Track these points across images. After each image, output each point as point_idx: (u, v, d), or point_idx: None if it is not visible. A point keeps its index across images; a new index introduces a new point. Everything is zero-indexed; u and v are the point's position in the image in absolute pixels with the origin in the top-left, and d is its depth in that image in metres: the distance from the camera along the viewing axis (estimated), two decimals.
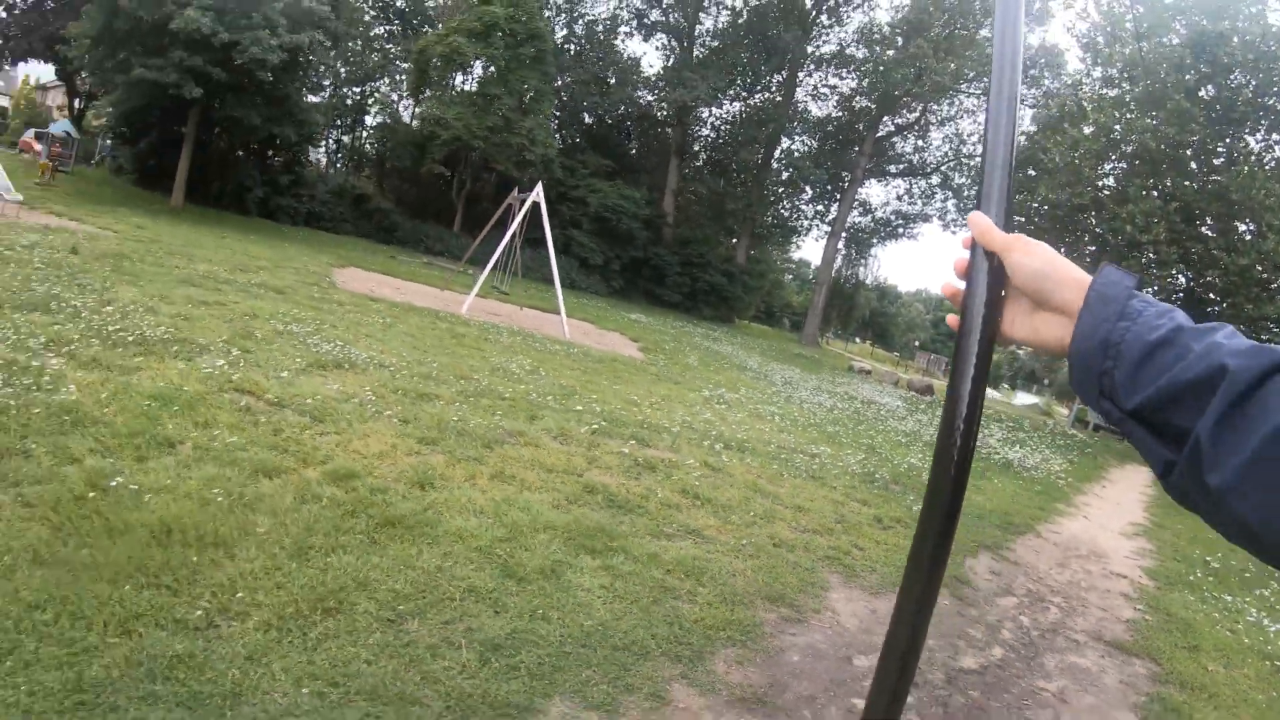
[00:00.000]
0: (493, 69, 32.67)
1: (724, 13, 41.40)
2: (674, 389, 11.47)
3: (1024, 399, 48.41)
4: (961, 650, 4.33)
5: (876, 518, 6.73)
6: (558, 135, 36.83)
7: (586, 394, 8.87)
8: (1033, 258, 0.82)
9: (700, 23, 41.26)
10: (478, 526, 4.07)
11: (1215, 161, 26.39)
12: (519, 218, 17.61)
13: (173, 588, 2.95)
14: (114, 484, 3.65)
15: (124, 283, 8.69)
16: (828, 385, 19.87)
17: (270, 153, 29.71)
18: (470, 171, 34.60)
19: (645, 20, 42.35)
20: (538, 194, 17.24)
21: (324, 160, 39.91)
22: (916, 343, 76.34)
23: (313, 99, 25.71)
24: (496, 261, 17.60)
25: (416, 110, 36.79)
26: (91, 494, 3.51)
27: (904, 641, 0.82)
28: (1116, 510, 11.16)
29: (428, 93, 34.13)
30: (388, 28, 38.72)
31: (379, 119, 39.76)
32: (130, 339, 6.12)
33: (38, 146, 36.07)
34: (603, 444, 6.64)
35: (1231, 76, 25.22)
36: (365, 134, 41.38)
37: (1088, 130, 27.08)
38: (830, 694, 3.38)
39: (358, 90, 37.94)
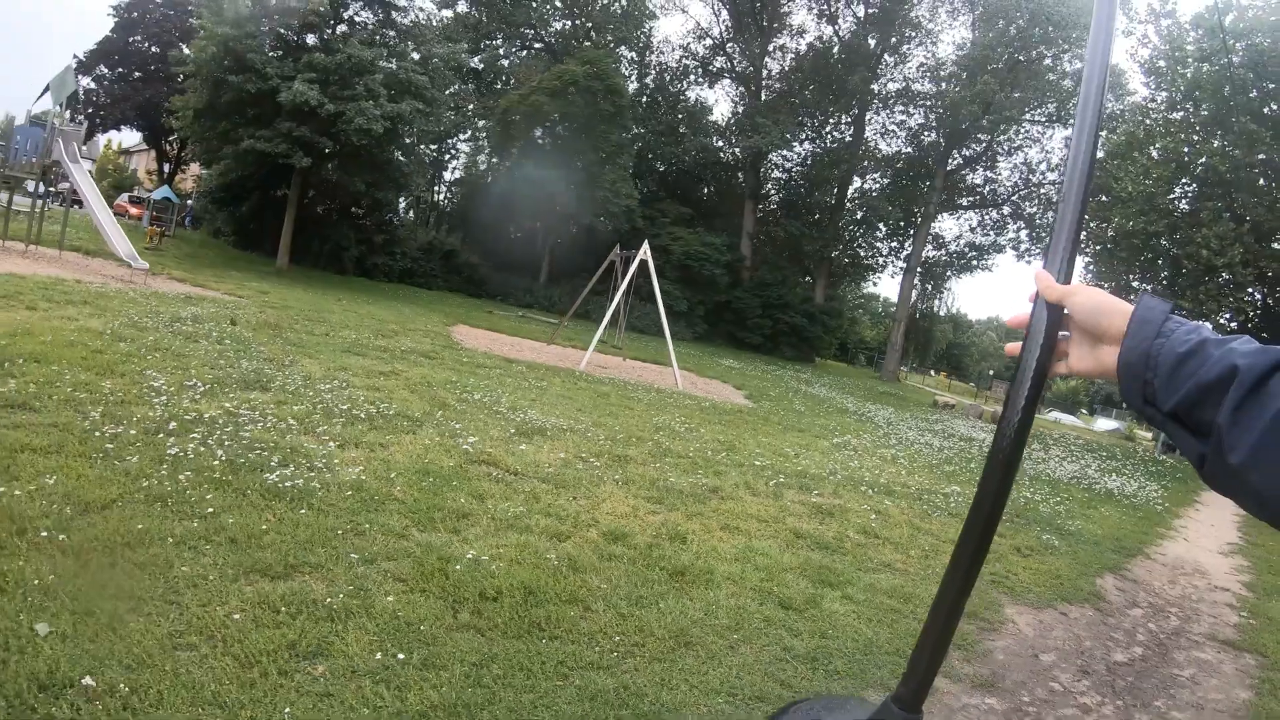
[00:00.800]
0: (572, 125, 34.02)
1: (789, 57, 42.69)
2: (804, 437, 12.88)
3: (1104, 424, 48.51)
4: (1111, 648, 5.70)
5: (1015, 547, 8.07)
6: (636, 185, 38.55)
7: (742, 447, 10.32)
8: (1089, 298, 0.99)
9: (766, 67, 42.63)
10: (740, 571, 5.42)
11: None
12: (630, 274, 18.83)
13: (570, 639, 3.79)
14: (468, 556, 4.44)
15: (300, 354, 9.97)
16: (924, 424, 21.05)
17: (363, 212, 31.24)
18: (555, 226, 36.13)
19: (710, 68, 43.92)
20: (645, 252, 18.65)
21: (410, 217, 41.73)
22: (991, 371, 76.63)
23: (401, 157, 27.48)
24: (610, 317, 18.84)
25: (501, 165, 38.29)
26: (446, 564, 4.25)
27: (936, 635, 1.01)
28: (1212, 531, 12.34)
29: (513, 151, 35.72)
30: (462, 85, 41.04)
31: (456, 174, 41.63)
32: (359, 415, 7.25)
33: (133, 210, 38.51)
34: (784, 494, 8.08)
35: None
36: (445, 190, 43.25)
37: (1155, 153, 27.78)
38: (1034, 680, 4.78)
39: (434, 148, 39.45)
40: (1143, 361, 0.91)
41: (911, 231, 43.34)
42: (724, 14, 43.92)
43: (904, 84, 42.08)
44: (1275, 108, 25.86)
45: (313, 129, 22.80)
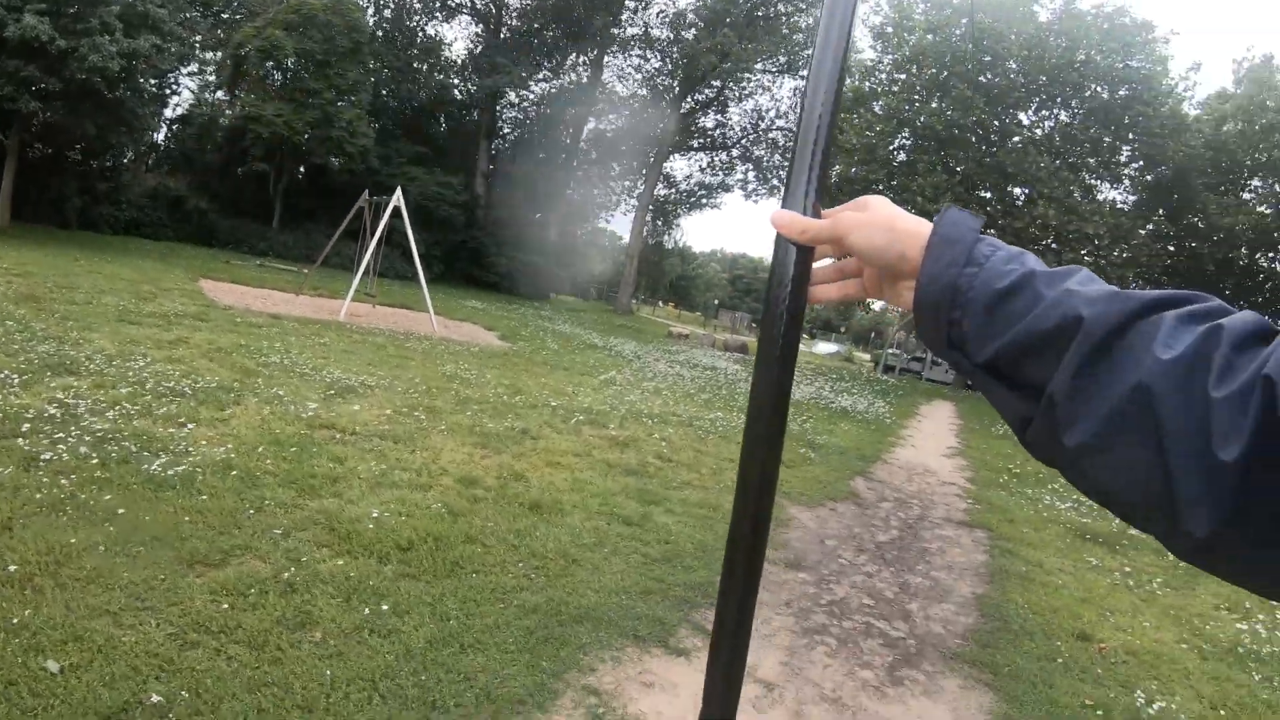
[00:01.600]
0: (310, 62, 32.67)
1: None
2: (573, 376, 13.80)
3: (825, 348, 53.29)
4: (875, 532, 7.05)
5: (783, 462, 9.42)
6: (370, 123, 37.59)
7: (527, 390, 11.07)
8: (871, 231, 0.77)
9: (506, 5, 42.47)
10: (581, 500, 6.25)
11: (992, 138, 30.88)
12: (384, 221, 18.59)
13: (487, 571, 4.42)
14: (372, 514, 4.93)
15: (79, 329, 9.33)
16: (668, 355, 22.65)
17: (82, 159, 28.47)
18: (287, 166, 34.66)
19: (449, 3, 43.20)
20: (398, 199, 18.61)
21: (129, 159, 38.52)
22: (716, 301, 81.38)
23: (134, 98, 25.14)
24: (365, 266, 18.73)
25: (229, 106, 36.16)
26: (354, 525, 4.68)
27: (731, 633, 0.78)
28: (934, 438, 14.56)
29: (244, 87, 33.84)
30: (186, 15, 38.11)
31: (179, 112, 38.83)
32: (183, 391, 7.14)
33: None
34: (582, 431, 8.96)
35: (1008, 65, 29.58)
36: (167, 130, 40.16)
37: (878, 109, 31.14)
38: (827, 558, 5.97)
39: (154, 83, 36.52)
40: (948, 296, 0.71)
41: (644, 171, 45.11)
42: None
43: (643, 29, 43.43)
44: (990, 77, 29.64)
45: (40, 68, 20.59)
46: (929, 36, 30.32)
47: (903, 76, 32.43)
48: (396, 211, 18.43)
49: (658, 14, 43.15)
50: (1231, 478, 0.53)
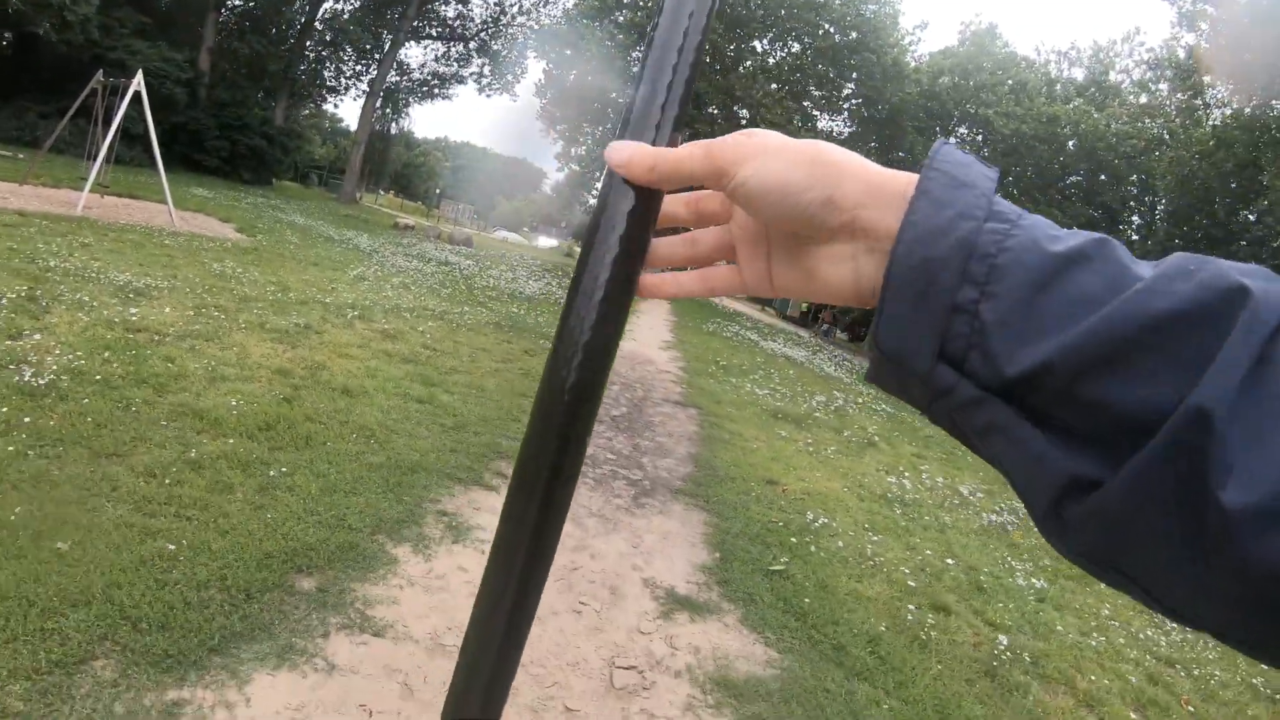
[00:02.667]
0: None
1: None
2: (325, 272, 14.54)
3: (546, 241, 55.08)
4: (610, 409, 8.84)
5: (525, 350, 11.00)
6: None
7: (295, 289, 11.89)
8: (778, 163, 0.49)
9: None
10: (379, 385, 7.48)
11: (727, 60, 33.31)
12: (123, 108, 17.85)
13: (331, 441, 5.94)
14: (231, 404, 6.46)
15: None
16: (401, 248, 23.44)
17: None
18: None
19: None
20: (139, 83, 17.92)
21: None
22: (439, 190, 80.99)
23: None
24: (104, 154, 18.01)
25: None
26: (222, 415, 6.15)
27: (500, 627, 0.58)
28: (652, 333, 16.69)
29: None
30: None
31: None
32: None
33: None
34: (356, 325, 10.08)
35: None
36: None
37: (621, 19, 32.86)
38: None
39: None
40: (958, 262, 0.42)
41: (378, 57, 44.16)
42: None
43: None
44: (730, 6, 32.04)
45: None
46: None
47: None
48: (136, 97, 17.82)
49: None
50: None
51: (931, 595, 5.59)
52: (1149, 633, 6.32)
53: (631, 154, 0.52)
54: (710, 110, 33.51)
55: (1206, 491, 0.34)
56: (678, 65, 0.56)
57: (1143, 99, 32.96)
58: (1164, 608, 0.39)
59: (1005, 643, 5.11)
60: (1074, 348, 0.38)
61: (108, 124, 20.10)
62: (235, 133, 37.37)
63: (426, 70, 48.79)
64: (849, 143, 36.48)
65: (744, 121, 33.52)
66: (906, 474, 9.24)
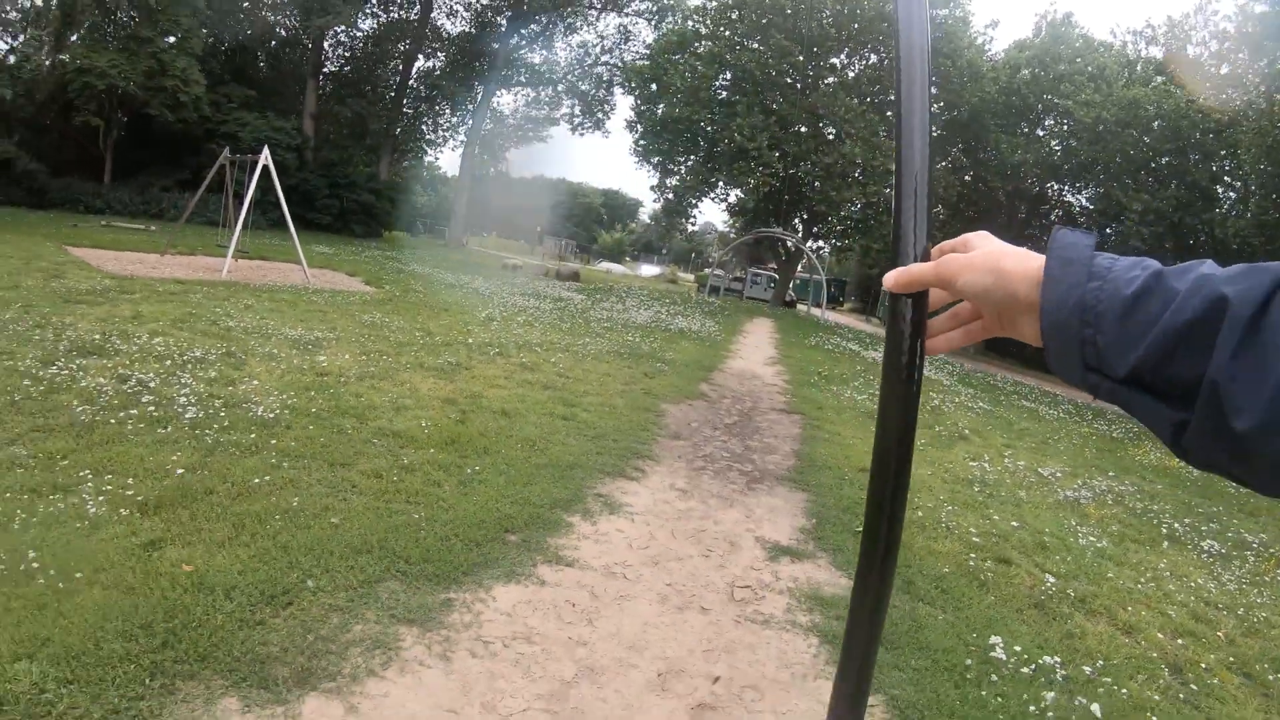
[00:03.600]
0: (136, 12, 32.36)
1: None
2: (460, 316, 16.46)
3: (648, 270, 56.84)
4: (723, 417, 10.32)
5: (644, 373, 12.56)
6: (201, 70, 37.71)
7: (437, 332, 13.74)
8: (976, 275, 0.83)
9: None
10: (529, 407, 9.14)
11: (808, 79, 34.56)
12: (254, 181, 20.14)
13: (500, 451, 7.72)
14: (421, 424, 8.25)
15: (50, 312, 10.90)
16: (513, 288, 25.44)
17: None
18: (116, 119, 34.45)
19: None
20: (266, 158, 20.26)
21: None
22: (539, 228, 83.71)
23: None
24: (241, 223, 20.24)
25: (59, 57, 35.51)
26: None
27: (863, 643, 0.91)
28: (757, 351, 18.19)
29: (73, 38, 33.41)
30: None
31: None
32: (203, 358, 9.36)
33: None
34: (497, 360, 11.80)
35: (823, 15, 33.27)
36: None
37: (701, 50, 34.34)
38: (695, 433, 9.18)
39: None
40: (1076, 317, 0.74)
41: (471, 107, 46.99)
42: None
43: None
44: (805, 28, 33.15)
45: None
46: None
47: (726, 22, 35.79)
48: (274, 173, 20.11)
49: None
50: None
51: (996, 551, 6.89)
52: (1200, 580, 7.41)
53: (894, 278, 0.86)
54: (799, 129, 34.77)
55: (1226, 427, 0.64)
56: (916, 204, 0.88)
57: (1223, 69, 32.59)
58: (1248, 486, 0.69)
59: (1054, 582, 6.36)
60: (1147, 350, 0.69)
61: (238, 196, 22.57)
62: (343, 190, 39.97)
63: (519, 115, 51.53)
64: (936, 145, 37.35)
65: (830, 138, 34.60)
66: (990, 460, 10.49)
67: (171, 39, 33.18)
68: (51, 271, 14.65)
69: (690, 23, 37.61)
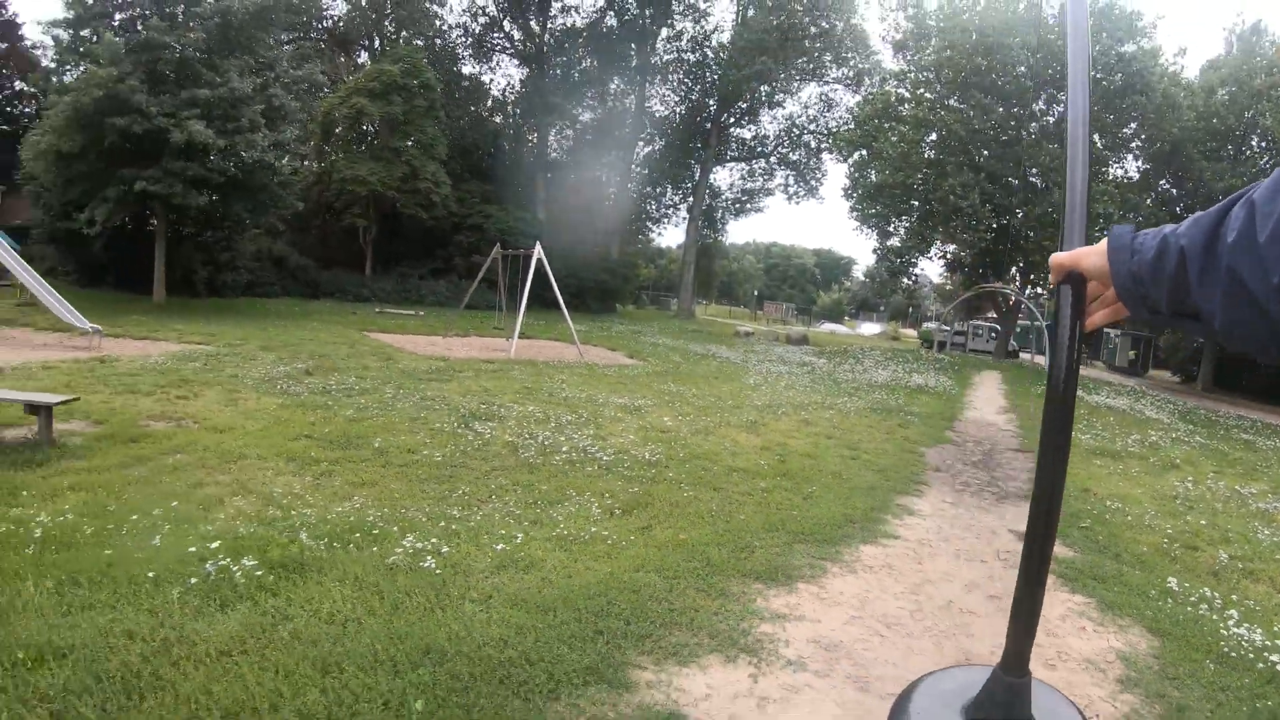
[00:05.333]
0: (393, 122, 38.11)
1: (567, 30, 49.09)
2: (729, 383, 20.19)
3: (869, 328, 59.47)
4: (970, 455, 13.51)
5: (899, 424, 15.80)
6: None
7: (722, 396, 17.46)
8: (1093, 258, 1.18)
9: (547, 43, 48.51)
10: (823, 450, 12.60)
11: (1011, 132, 36.58)
12: (530, 274, 24.44)
13: (797, 485, 11.27)
14: (737, 463, 11.85)
15: (441, 386, 15.78)
16: (757, 355, 29.11)
17: (210, 233, 32.31)
18: (375, 218, 40.20)
19: (485, 44, 49.10)
20: (539, 253, 24.60)
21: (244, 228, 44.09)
22: (756, 292, 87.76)
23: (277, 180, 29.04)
24: (522, 309, 24.13)
25: (318, 166, 41.66)
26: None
27: (1027, 603, 1.31)
28: (989, 402, 21.12)
29: (333, 152, 39.48)
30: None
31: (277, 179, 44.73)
32: (564, 420, 13.69)
33: None
34: (783, 419, 15.34)
35: (1018, 70, 35.50)
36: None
37: (905, 112, 37.17)
38: (951, 468, 12.46)
39: (289, 165, 40.92)
40: (1133, 283, 1.10)
41: (690, 185, 51.61)
42: None
43: (676, 55, 49.85)
44: (1002, 82, 35.45)
45: (201, 165, 24.14)
46: (946, 51, 36.08)
47: (925, 83, 38.69)
48: (547, 266, 24.34)
49: (688, 40, 49.21)
50: None
51: (1186, 541, 9.74)
52: None
53: (1054, 263, 1.23)
54: (1008, 180, 36.84)
55: (1213, 325, 0.99)
56: (1077, 208, 1.27)
57: None
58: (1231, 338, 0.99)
59: (1228, 560, 9.17)
60: (1169, 295, 1.05)
61: (510, 286, 27.21)
62: (580, 270, 44.74)
63: (735, 189, 56.34)
64: (1142, 181, 38.67)
65: (1039, 186, 36.29)
66: (1194, 481, 13.13)
67: (415, 143, 38.28)
68: (377, 353, 18.69)
69: (889, 86, 40.23)
